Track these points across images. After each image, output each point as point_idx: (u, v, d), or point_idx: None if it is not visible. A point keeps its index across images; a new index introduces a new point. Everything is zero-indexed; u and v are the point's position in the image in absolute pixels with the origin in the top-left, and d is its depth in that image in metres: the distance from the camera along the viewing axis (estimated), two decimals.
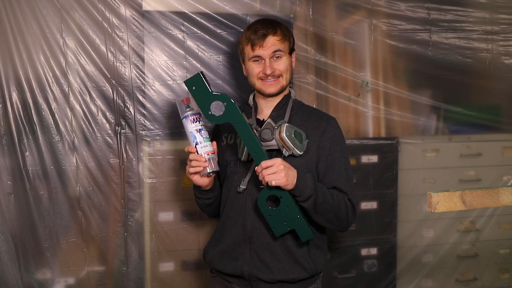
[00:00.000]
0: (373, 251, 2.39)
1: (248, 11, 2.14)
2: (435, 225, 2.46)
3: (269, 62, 1.65)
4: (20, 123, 1.99)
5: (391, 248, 2.41)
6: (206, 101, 1.53)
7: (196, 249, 2.19)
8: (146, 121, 2.12)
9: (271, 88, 1.67)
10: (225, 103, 1.52)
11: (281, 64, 1.67)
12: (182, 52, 2.13)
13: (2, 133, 1.98)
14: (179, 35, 2.12)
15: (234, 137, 1.71)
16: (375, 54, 2.33)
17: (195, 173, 1.60)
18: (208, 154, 1.58)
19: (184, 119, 1.59)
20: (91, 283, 2.11)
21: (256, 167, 1.52)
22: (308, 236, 1.57)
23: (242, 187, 1.64)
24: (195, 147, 1.57)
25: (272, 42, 1.64)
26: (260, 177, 1.51)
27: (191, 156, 1.58)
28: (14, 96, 1.98)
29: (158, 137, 2.13)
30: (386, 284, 2.42)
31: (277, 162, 1.48)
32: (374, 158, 2.34)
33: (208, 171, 1.58)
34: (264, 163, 1.49)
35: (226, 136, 1.75)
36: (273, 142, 1.59)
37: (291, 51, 1.72)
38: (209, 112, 1.53)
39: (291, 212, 1.54)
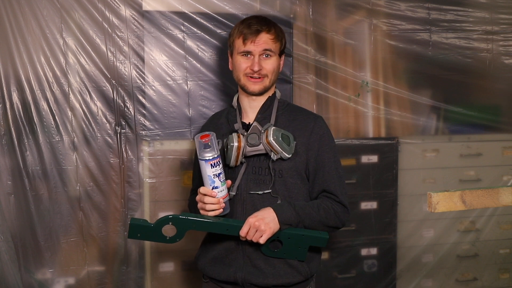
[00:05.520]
0: (373, 251, 2.39)
1: (248, 11, 2.14)
2: (435, 225, 2.46)
3: (258, 59, 1.62)
4: (20, 123, 1.99)
5: (391, 248, 2.41)
6: (156, 234, 1.53)
7: (196, 249, 2.19)
8: (146, 121, 2.12)
9: (254, 86, 1.64)
10: (170, 223, 1.52)
11: (269, 64, 1.64)
12: (182, 52, 2.13)
13: (2, 133, 1.98)
14: (179, 35, 2.12)
15: (222, 143, 1.68)
16: (375, 54, 2.33)
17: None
18: (224, 198, 1.55)
19: (204, 161, 1.49)
20: (91, 282, 2.11)
21: (240, 237, 1.53)
22: (324, 240, 1.58)
23: (232, 193, 1.61)
24: (212, 190, 1.52)
25: (265, 39, 1.62)
26: (249, 241, 1.53)
27: (207, 200, 1.53)
28: (14, 96, 1.98)
29: (158, 137, 2.13)
30: (386, 284, 2.43)
31: (251, 222, 1.50)
32: (374, 158, 2.34)
33: (224, 213, 1.58)
34: (242, 232, 1.51)
35: None
36: (261, 146, 1.58)
37: (281, 53, 1.70)
38: (167, 238, 1.54)
39: (296, 239, 1.56)
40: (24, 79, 1.98)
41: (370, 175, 2.34)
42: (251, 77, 1.64)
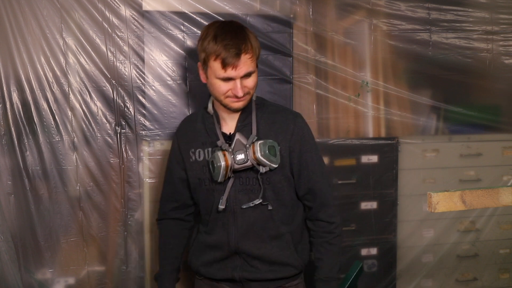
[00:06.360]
0: (373, 251, 2.39)
1: (248, 11, 2.14)
2: (435, 225, 2.46)
3: (240, 84, 1.53)
4: (20, 123, 1.98)
5: (391, 248, 2.41)
6: None
7: None
8: (146, 121, 2.12)
9: (238, 104, 1.58)
10: None
11: (251, 82, 1.57)
12: (182, 52, 2.13)
13: (2, 133, 1.98)
14: (179, 35, 2.12)
15: (204, 154, 1.64)
16: (375, 54, 2.32)
17: None
18: None
19: None
20: (91, 282, 2.11)
21: None
22: (361, 268, 1.82)
23: (221, 207, 1.61)
24: None
25: (244, 61, 1.52)
26: None
27: None
28: (14, 96, 1.97)
29: (158, 137, 2.13)
30: (386, 284, 2.42)
31: None
32: (374, 158, 2.34)
33: None
34: None
35: (194, 152, 1.67)
36: (249, 162, 1.56)
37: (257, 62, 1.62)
38: None
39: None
40: (24, 79, 1.97)
41: (370, 175, 2.34)
42: (234, 97, 1.56)
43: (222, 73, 1.52)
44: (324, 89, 2.28)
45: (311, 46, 2.24)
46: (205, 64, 1.56)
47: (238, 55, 1.50)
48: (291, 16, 2.21)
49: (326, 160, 2.28)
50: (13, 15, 1.95)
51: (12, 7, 1.94)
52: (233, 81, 1.53)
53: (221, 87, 1.55)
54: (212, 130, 1.64)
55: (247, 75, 1.55)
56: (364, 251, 2.38)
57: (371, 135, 2.36)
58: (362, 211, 2.35)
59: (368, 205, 2.36)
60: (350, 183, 2.32)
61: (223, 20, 1.64)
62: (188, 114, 2.14)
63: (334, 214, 1.69)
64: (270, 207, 1.62)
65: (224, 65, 1.50)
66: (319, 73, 2.27)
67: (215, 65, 1.52)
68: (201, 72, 1.62)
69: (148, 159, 2.12)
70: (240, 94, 1.53)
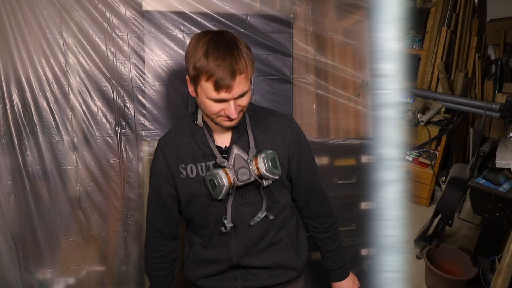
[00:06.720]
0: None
1: (248, 11, 2.14)
2: None
3: (234, 105, 1.41)
4: (20, 123, 1.99)
5: None
6: None
7: None
8: (146, 121, 2.12)
9: (231, 123, 1.47)
10: None
11: (245, 101, 1.44)
12: (182, 52, 2.12)
13: (2, 133, 1.98)
14: (179, 35, 2.12)
15: (196, 169, 1.54)
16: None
17: None
18: None
19: None
20: (91, 282, 2.11)
21: None
22: None
23: (230, 225, 1.53)
24: None
25: (239, 82, 1.38)
26: None
27: None
28: (14, 96, 1.98)
29: (158, 137, 2.11)
30: None
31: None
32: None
33: None
34: None
35: (184, 168, 1.55)
36: (252, 178, 1.50)
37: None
38: None
39: None
40: (24, 79, 1.97)
41: (370, 175, 2.34)
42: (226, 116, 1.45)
43: (214, 95, 1.39)
44: (324, 89, 2.28)
45: (311, 46, 2.24)
46: (195, 82, 1.42)
47: (232, 77, 1.36)
48: (291, 16, 2.21)
49: (326, 160, 2.28)
50: (13, 15, 1.95)
51: (12, 7, 1.94)
52: (226, 102, 1.41)
53: (213, 107, 1.42)
54: (203, 143, 1.54)
55: (241, 95, 1.42)
56: (364, 251, 2.39)
57: (371, 135, 2.35)
58: (362, 211, 2.35)
59: (368, 205, 2.36)
60: (350, 183, 2.32)
61: (213, 30, 1.51)
62: (188, 114, 2.14)
63: (331, 206, 1.75)
64: (271, 217, 1.58)
65: (217, 88, 1.37)
66: (319, 73, 2.27)
67: (207, 86, 1.38)
68: (189, 86, 1.48)
69: (148, 159, 2.12)
70: (234, 116, 1.42)
